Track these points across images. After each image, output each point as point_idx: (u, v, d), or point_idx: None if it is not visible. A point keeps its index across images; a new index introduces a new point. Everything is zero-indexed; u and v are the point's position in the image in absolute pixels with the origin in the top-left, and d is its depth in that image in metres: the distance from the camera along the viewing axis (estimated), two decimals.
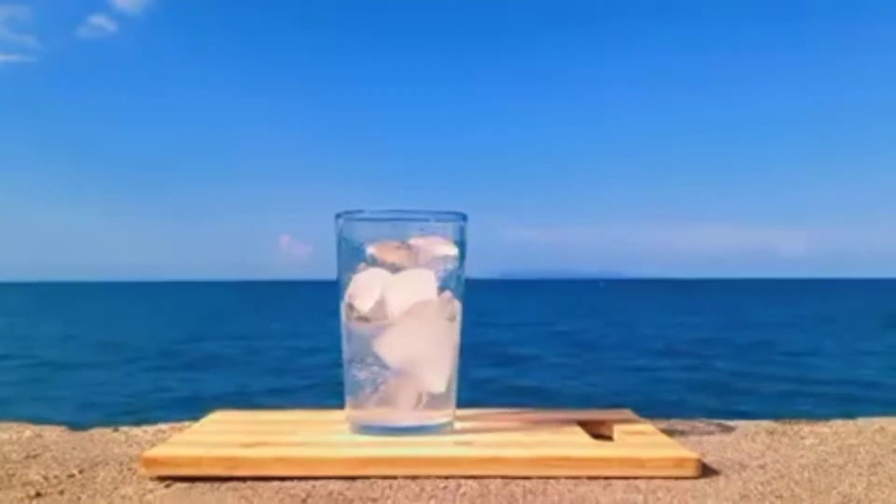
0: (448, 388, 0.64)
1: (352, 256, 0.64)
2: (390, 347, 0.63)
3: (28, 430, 0.68)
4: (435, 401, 0.63)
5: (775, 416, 0.76)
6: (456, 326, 0.65)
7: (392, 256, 0.63)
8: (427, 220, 0.64)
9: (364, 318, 0.63)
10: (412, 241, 0.63)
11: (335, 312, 0.64)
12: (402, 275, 0.63)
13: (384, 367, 0.63)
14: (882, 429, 0.73)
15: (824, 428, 0.73)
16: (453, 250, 0.64)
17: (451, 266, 0.64)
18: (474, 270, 0.66)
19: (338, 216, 0.64)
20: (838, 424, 0.75)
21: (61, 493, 0.51)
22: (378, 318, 0.63)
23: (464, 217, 0.65)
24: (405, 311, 0.63)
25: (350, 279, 0.64)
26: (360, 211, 0.64)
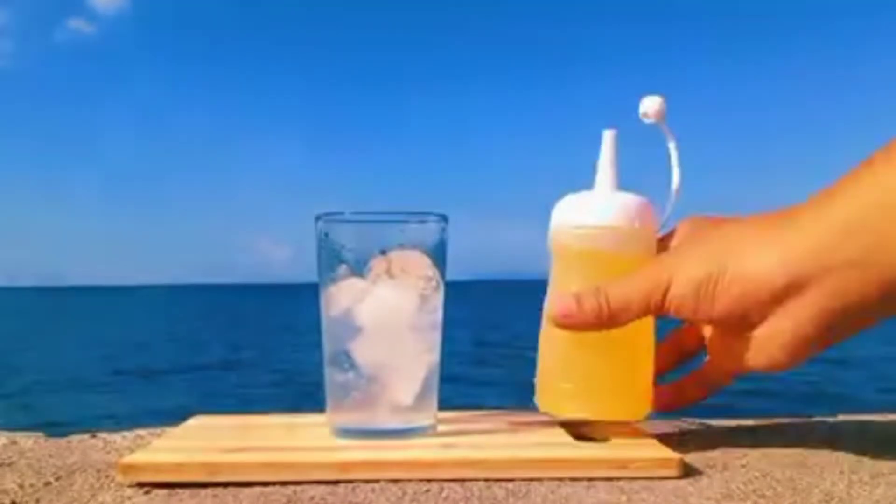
0: (419, 398, 0.63)
1: (332, 259, 0.64)
2: (363, 353, 0.63)
3: (3, 438, 0.67)
4: (416, 404, 0.63)
5: (756, 415, 0.77)
6: (434, 335, 0.65)
7: (375, 267, 0.63)
8: (407, 221, 0.64)
9: (341, 323, 0.63)
10: (391, 254, 0.63)
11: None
12: (380, 283, 0.63)
13: (359, 372, 0.62)
14: (863, 426, 0.73)
15: (805, 426, 0.74)
16: (429, 262, 0.64)
17: (430, 273, 0.64)
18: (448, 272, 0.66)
19: (317, 218, 0.64)
20: (819, 422, 0.76)
21: (37, 501, 0.50)
22: (353, 325, 0.63)
23: (444, 218, 0.65)
24: (381, 319, 0.63)
25: (330, 281, 0.64)
26: (341, 213, 0.64)
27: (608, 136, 0.64)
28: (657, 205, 0.65)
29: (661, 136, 0.65)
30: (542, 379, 0.65)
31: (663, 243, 0.64)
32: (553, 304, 0.60)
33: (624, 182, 0.64)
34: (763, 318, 0.54)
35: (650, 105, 0.64)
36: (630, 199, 0.63)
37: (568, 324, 0.59)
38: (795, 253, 0.52)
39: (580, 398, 0.61)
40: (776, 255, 0.52)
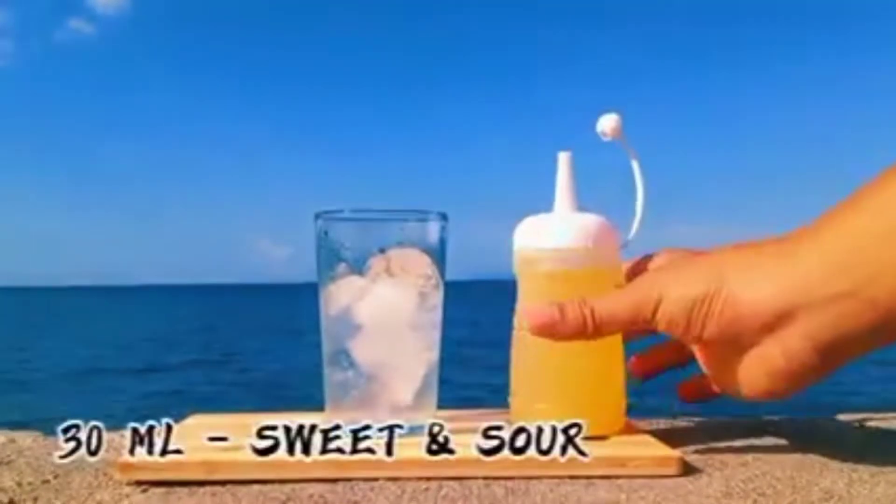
0: (419, 396, 0.63)
1: (331, 257, 0.63)
2: (362, 352, 0.62)
3: (1, 436, 0.67)
4: (415, 402, 0.63)
5: (756, 415, 0.76)
6: (434, 334, 0.65)
7: (375, 266, 0.63)
8: (406, 220, 0.64)
9: (340, 321, 0.63)
10: (390, 252, 0.63)
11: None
12: (380, 281, 0.63)
13: (358, 370, 0.62)
14: (863, 425, 0.73)
15: (806, 425, 0.74)
16: (428, 261, 0.64)
17: (429, 272, 0.64)
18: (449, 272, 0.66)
19: (317, 216, 0.64)
20: (820, 421, 0.75)
21: (35, 499, 0.50)
22: (352, 323, 0.63)
23: (444, 217, 0.65)
24: (380, 317, 0.63)
25: (329, 280, 0.64)
26: (340, 211, 0.64)
27: (563, 158, 0.65)
28: (623, 223, 0.66)
29: (623, 152, 0.66)
30: (515, 401, 0.65)
31: (635, 271, 0.65)
32: (533, 313, 0.59)
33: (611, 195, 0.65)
34: (753, 344, 0.54)
35: (607, 123, 0.65)
36: (587, 220, 0.63)
37: (548, 333, 0.58)
38: (789, 282, 0.52)
39: (556, 417, 0.61)
40: (770, 282, 0.52)
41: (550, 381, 0.62)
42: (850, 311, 0.50)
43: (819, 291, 0.51)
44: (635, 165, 0.66)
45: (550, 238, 0.63)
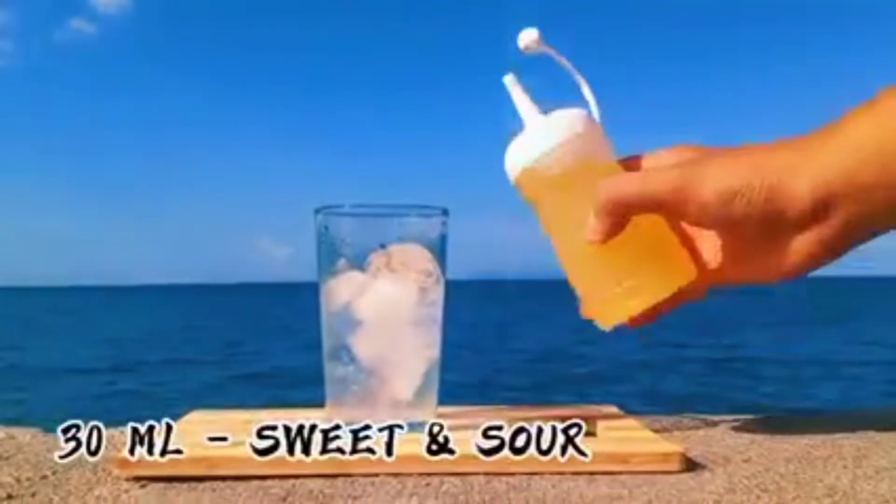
0: (419, 394, 0.63)
1: (331, 252, 0.63)
2: (363, 347, 0.62)
3: (0, 432, 0.67)
4: (416, 399, 0.63)
5: (760, 411, 0.76)
6: (435, 330, 0.65)
7: (375, 261, 0.62)
8: (407, 215, 0.63)
9: (341, 316, 0.63)
10: (391, 248, 0.62)
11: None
12: (380, 277, 0.62)
13: (358, 366, 0.62)
14: (866, 421, 0.73)
15: (809, 421, 0.73)
16: (429, 256, 0.64)
17: (430, 268, 0.64)
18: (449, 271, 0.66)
19: (317, 211, 0.64)
20: (823, 417, 0.75)
21: (33, 494, 0.50)
22: (353, 318, 0.62)
23: (445, 212, 0.65)
24: (381, 313, 0.62)
25: (329, 276, 0.63)
26: (340, 206, 0.63)
27: (510, 80, 0.65)
28: None
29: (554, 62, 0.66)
30: (592, 298, 0.63)
31: (636, 163, 0.65)
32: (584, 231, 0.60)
33: None
34: (793, 229, 0.57)
35: (526, 36, 0.65)
36: (564, 113, 0.64)
37: (598, 239, 0.59)
38: (828, 173, 0.55)
39: (638, 291, 0.60)
40: (810, 176, 0.55)
41: (616, 262, 0.61)
42: (881, 198, 0.54)
43: (856, 180, 0.54)
44: (565, 61, 0.66)
45: (540, 143, 0.62)
